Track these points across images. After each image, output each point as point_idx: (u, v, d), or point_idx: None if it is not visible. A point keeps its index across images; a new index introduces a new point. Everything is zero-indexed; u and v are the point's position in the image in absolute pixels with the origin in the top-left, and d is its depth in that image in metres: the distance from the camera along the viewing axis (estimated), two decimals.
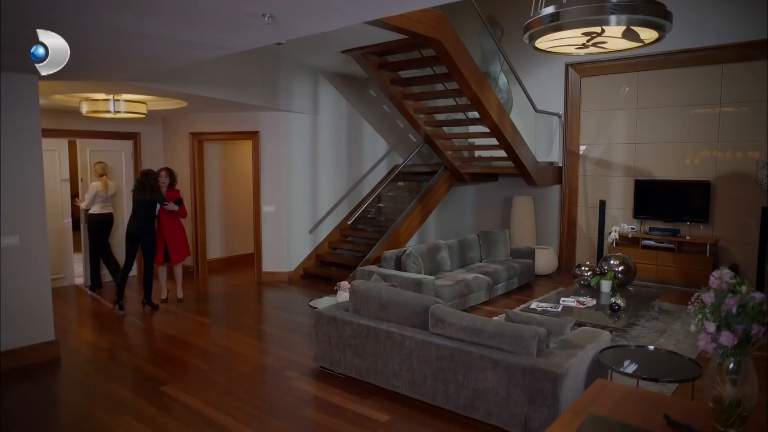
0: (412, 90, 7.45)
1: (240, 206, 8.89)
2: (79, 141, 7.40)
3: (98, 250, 7.13)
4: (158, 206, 6.17)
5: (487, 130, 7.15)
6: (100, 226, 7.01)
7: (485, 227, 8.80)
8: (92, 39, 3.33)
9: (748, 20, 6.44)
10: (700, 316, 1.64)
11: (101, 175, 6.99)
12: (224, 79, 6.36)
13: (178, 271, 6.57)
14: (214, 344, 5.11)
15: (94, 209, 6.95)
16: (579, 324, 4.49)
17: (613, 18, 3.75)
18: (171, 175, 6.38)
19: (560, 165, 8.32)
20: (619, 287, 5.83)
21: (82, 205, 7.09)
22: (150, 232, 6.16)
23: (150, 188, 6.08)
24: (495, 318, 4.87)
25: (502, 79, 8.45)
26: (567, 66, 7.95)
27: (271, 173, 7.64)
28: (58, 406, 3.91)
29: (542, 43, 4.29)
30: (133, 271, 8.04)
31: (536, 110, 7.96)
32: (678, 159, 7.30)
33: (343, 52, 6.50)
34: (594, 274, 5.93)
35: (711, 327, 1.60)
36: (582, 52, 4.53)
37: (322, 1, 2.73)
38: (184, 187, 8.17)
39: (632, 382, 3.29)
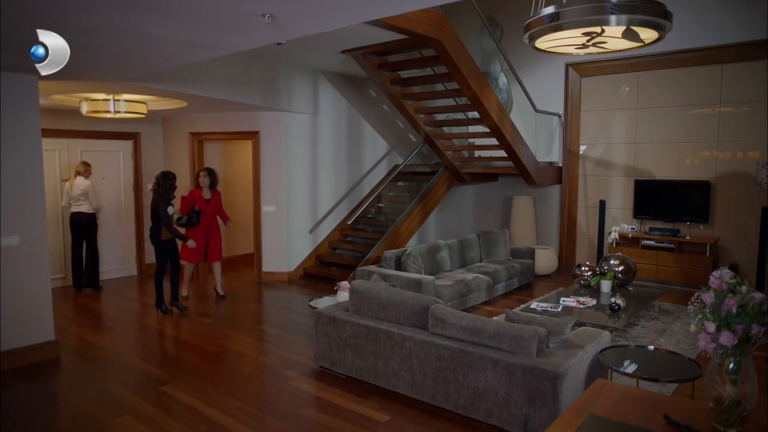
0: (412, 90, 7.45)
1: (240, 206, 8.89)
2: (69, 141, 7.33)
3: (79, 250, 7.09)
4: (169, 212, 5.91)
5: (487, 130, 7.15)
6: (73, 226, 6.99)
7: (485, 227, 8.81)
8: (92, 39, 3.33)
9: (748, 20, 6.45)
10: (700, 316, 1.64)
11: (76, 174, 6.99)
12: (224, 79, 6.36)
13: (218, 268, 6.63)
14: (214, 344, 5.11)
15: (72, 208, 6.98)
16: (579, 324, 4.49)
17: (613, 18, 3.75)
18: (211, 174, 6.34)
19: (560, 165, 8.32)
20: (619, 287, 5.83)
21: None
22: (155, 237, 5.93)
23: (157, 191, 5.86)
24: (495, 318, 4.87)
25: (502, 79, 8.45)
26: (567, 66, 7.95)
27: (271, 173, 7.63)
28: (58, 406, 3.91)
29: (542, 43, 4.29)
30: (131, 271, 8.08)
31: (536, 110, 7.96)
32: (678, 159, 7.30)
33: (343, 52, 6.50)
34: (594, 274, 5.93)
35: (711, 327, 1.59)
36: (582, 52, 4.53)
37: (322, 1, 2.73)
38: (183, 187, 8.17)
39: (632, 382, 3.29)
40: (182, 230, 6.27)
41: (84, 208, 6.95)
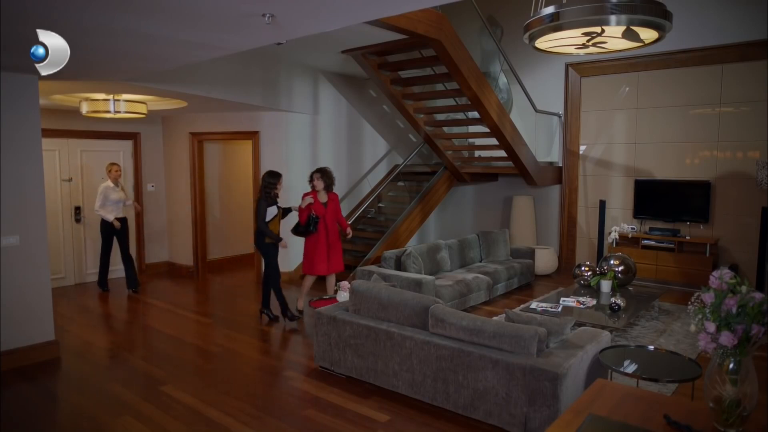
0: (412, 90, 7.45)
1: (240, 206, 8.88)
2: (69, 141, 7.31)
3: (107, 253, 7.02)
4: (272, 213, 5.61)
5: (487, 130, 7.15)
6: (110, 230, 6.93)
7: (485, 227, 8.81)
8: (92, 39, 3.33)
9: (748, 20, 6.45)
10: (700, 316, 1.64)
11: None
12: (224, 79, 6.36)
13: (331, 280, 6.01)
14: (214, 344, 5.11)
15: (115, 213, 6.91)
16: (579, 324, 4.49)
17: (613, 18, 3.75)
18: (326, 175, 5.75)
19: (560, 165, 8.32)
20: (619, 287, 5.83)
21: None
22: (258, 240, 5.66)
23: (260, 190, 5.61)
24: (495, 318, 4.87)
25: (502, 79, 8.45)
26: (567, 66, 7.95)
27: None
28: (58, 406, 3.91)
29: (542, 43, 4.29)
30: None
31: (536, 110, 7.96)
32: (678, 159, 7.30)
33: (343, 52, 6.50)
34: (594, 274, 5.93)
35: (711, 327, 1.59)
36: (582, 52, 4.54)
37: (322, 1, 2.73)
38: (184, 187, 8.18)
39: (632, 382, 3.29)
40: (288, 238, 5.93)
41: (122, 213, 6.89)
